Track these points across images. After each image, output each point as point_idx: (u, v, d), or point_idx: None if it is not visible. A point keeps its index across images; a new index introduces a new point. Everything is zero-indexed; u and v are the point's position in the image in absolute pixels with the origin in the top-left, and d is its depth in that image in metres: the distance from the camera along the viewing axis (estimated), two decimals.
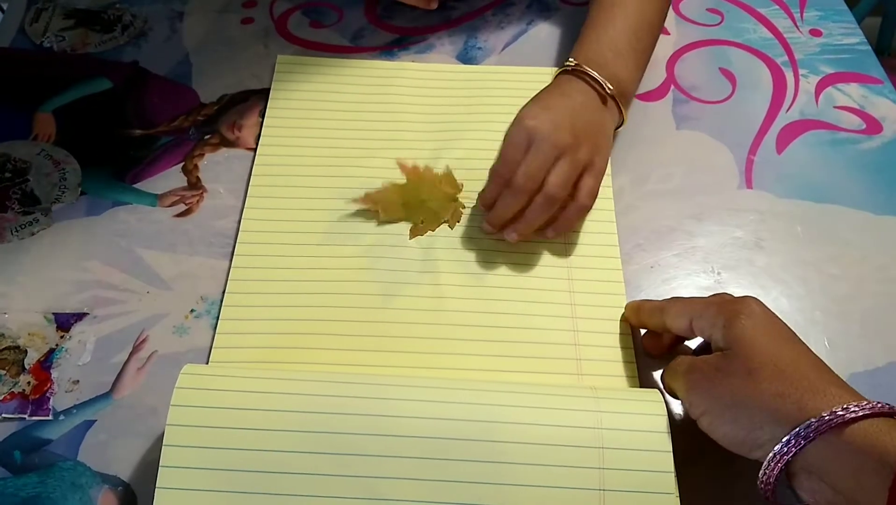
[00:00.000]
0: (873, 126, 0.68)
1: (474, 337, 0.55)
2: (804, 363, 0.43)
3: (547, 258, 0.59)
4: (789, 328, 0.46)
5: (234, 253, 0.58)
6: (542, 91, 0.62)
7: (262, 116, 0.67)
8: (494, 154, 0.64)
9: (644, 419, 0.45)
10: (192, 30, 0.74)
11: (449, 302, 0.56)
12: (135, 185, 0.62)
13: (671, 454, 0.44)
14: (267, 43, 0.73)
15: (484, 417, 0.45)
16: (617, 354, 0.54)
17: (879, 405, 0.40)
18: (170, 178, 0.63)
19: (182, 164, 0.64)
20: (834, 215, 0.62)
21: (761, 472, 0.42)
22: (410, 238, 0.59)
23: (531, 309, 0.56)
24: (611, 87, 0.60)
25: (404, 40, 0.74)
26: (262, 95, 0.69)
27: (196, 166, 0.64)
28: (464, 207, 0.61)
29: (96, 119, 0.67)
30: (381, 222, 0.60)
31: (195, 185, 0.63)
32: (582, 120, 0.58)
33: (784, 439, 0.40)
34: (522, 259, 0.59)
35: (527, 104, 0.60)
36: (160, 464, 0.44)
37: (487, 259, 0.59)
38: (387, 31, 0.75)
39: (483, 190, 0.60)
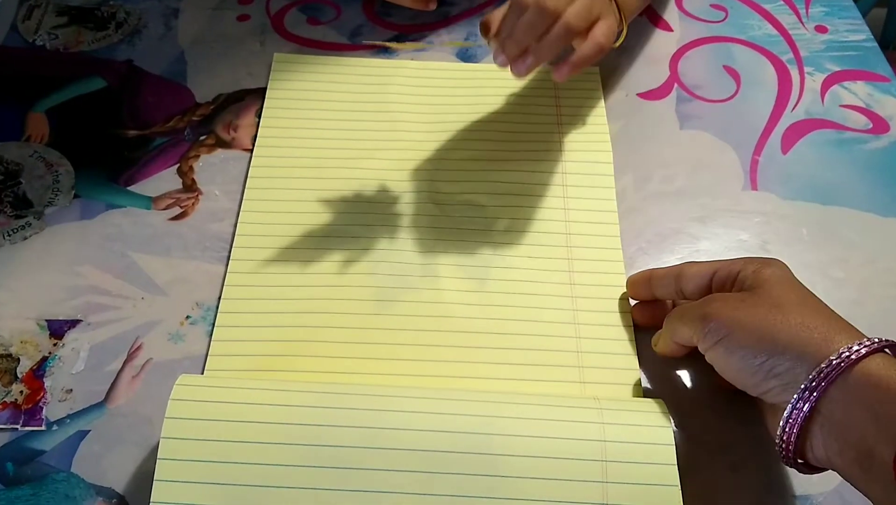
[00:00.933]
0: (880, 125, 0.67)
1: (474, 344, 0.54)
2: (829, 311, 0.44)
3: (549, 262, 0.58)
4: None
5: (230, 257, 0.57)
6: None
7: (259, 116, 0.66)
8: (495, 154, 0.63)
9: (649, 431, 0.45)
10: (186, 27, 0.73)
11: (449, 308, 0.55)
12: (129, 188, 0.61)
13: (676, 467, 0.43)
14: (263, 40, 0.72)
15: (485, 430, 0.44)
16: (620, 361, 0.53)
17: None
18: (164, 180, 0.62)
19: (177, 165, 0.63)
20: (840, 217, 0.61)
21: (784, 416, 0.41)
22: None
23: (532, 315, 0.55)
24: None
25: (403, 38, 0.73)
26: (259, 95, 0.68)
27: (191, 168, 0.63)
28: None
29: (90, 119, 0.66)
30: None
31: (190, 187, 0.62)
32: None
33: (810, 376, 0.40)
34: (524, 263, 0.57)
35: None
36: (154, 478, 0.43)
37: (488, 263, 0.57)
38: (385, 28, 0.74)
39: (498, 20, 0.55)
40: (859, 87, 0.70)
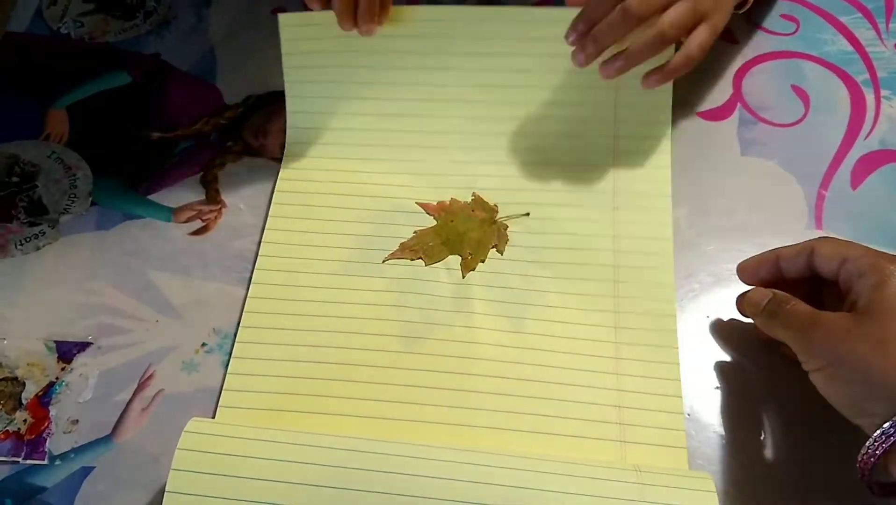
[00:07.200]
0: None
1: (507, 391, 0.50)
2: None
3: (593, 300, 0.53)
4: None
5: (252, 281, 0.54)
6: None
7: None
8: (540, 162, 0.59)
9: None
10: (218, 19, 0.69)
11: (481, 349, 0.51)
12: (149, 197, 0.58)
13: None
14: None
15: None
16: (665, 419, 0.49)
17: None
18: (187, 190, 0.59)
19: (201, 174, 0.59)
20: None
21: (863, 450, 0.42)
22: (463, 275, 0.54)
23: (572, 362, 0.51)
24: None
25: None
26: None
27: (216, 177, 0.59)
28: (507, 227, 0.56)
29: (112, 118, 0.63)
30: (428, 265, 0.55)
31: (214, 198, 0.58)
32: None
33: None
34: (565, 301, 0.53)
35: None
36: None
37: (526, 300, 0.53)
38: None
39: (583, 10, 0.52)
40: None
